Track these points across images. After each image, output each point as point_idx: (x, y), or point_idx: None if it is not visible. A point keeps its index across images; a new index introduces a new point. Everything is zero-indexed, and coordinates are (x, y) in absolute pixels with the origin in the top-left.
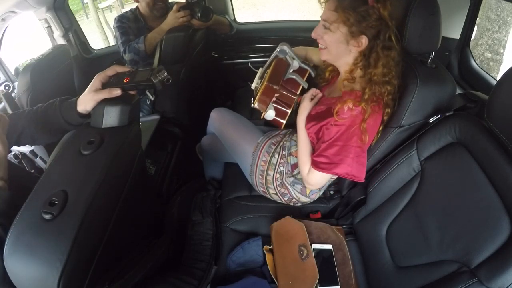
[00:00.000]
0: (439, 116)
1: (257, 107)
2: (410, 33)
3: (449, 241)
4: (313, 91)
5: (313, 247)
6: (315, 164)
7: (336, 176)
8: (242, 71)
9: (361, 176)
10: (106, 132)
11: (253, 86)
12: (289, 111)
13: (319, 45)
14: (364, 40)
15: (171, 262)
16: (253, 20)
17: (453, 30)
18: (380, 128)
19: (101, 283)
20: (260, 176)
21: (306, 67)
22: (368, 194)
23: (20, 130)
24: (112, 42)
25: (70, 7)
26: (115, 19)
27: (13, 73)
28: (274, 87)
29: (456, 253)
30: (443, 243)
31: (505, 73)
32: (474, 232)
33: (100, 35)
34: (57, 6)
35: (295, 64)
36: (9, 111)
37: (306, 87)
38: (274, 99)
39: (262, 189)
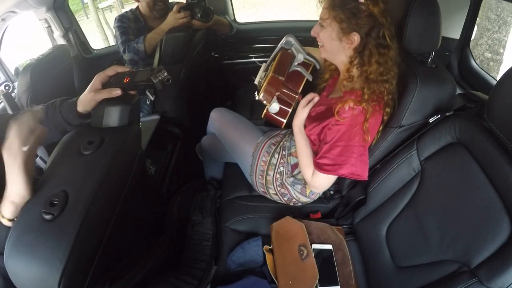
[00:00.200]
0: (439, 116)
1: (262, 98)
2: (410, 33)
3: (449, 241)
4: (309, 96)
5: (313, 247)
6: (319, 167)
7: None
8: (242, 71)
9: (364, 175)
10: (106, 132)
11: (256, 81)
12: (290, 110)
13: (318, 43)
14: (356, 38)
15: (171, 262)
16: (253, 20)
17: (453, 30)
18: (380, 128)
19: (101, 283)
20: (260, 176)
21: (311, 60)
22: (368, 194)
23: None
24: (112, 42)
25: (70, 7)
26: (115, 18)
27: (13, 73)
28: (280, 78)
29: (456, 253)
30: (443, 243)
31: (505, 73)
32: (474, 232)
33: (100, 35)
34: (57, 6)
35: (300, 57)
36: (9, 111)
37: (311, 79)
38: (277, 93)
39: (262, 189)
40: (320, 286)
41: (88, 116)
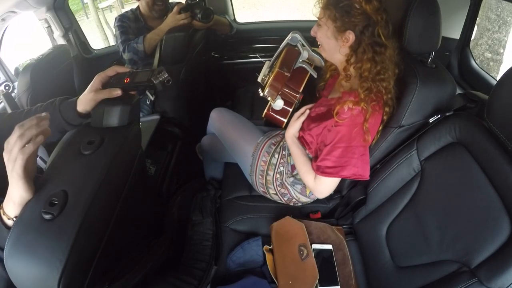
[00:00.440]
0: (439, 116)
1: (267, 94)
2: (410, 33)
3: (449, 241)
4: (302, 109)
5: (313, 247)
6: (321, 170)
7: None
8: (242, 71)
9: (366, 175)
10: (106, 132)
11: (259, 79)
12: (291, 110)
13: (318, 43)
14: (351, 36)
15: (171, 262)
16: (253, 20)
17: (453, 30)
18: (380, 128)
19: (101, 283)
20: (260, 176)
21: (316, 56)
22: (368, 194)
23: None
24: (112, 42)
25: (70, 7)
26: (116, 18)
27: (13, 73)
28: (286, 73)
29: (456, 253)
30: (443, 243)
31: (505, 73)
32: (474, 232)
33: (100, 35)
34: (57, 6)
35: (305, 54)
36: (9, 111)
37: (315, 76)
38: (283, 88)
39: (262, 189)
40: (320, 286)
41: (88, 116)
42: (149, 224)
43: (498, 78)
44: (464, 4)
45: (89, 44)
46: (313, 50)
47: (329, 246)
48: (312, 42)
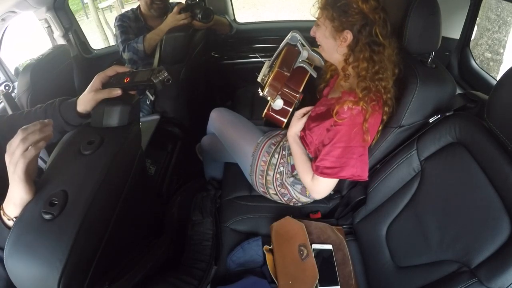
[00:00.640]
0: (439, 116)
1: (267, 94)
2: (410, 33)
3: (449, 241)
4: (305, 109)
5: (313, 247)
6: (320, 171)
7: None
8: (242, 71)
9: (365, 175)
10: (106, 132)
11: (259, 79)
12: (291, 109)
13: (317, 43)
14: (349, 36)
15: (171, 262)
16: (253, 20)
17: (453, 30)
18: (380, 128)
19: (101, 283)
20: (260, 176)
21: (316, 55)
22: (368, 194)
23: None
24: (112, 42)
25: (70, 7)
26: (116, 17)
27: (13, 73)
28: (285, 73)
29: (456, 253)
30: (443, 243)
31: (505, 73)
32: (474, 232)
33: (100, 35)
34: (57, 6)
35: (305, 54)
36: (9, 111)
37: (315, 75)
38: (282, 88)
39: (262, 189)
40: (320, 286)
41: (88, 116)
42: (149, 224)
43: (498, 78)
44: (464, 4)
45: (89, 44)
46: (313, 50)
47: (329, 246)
48: (312, 42)
